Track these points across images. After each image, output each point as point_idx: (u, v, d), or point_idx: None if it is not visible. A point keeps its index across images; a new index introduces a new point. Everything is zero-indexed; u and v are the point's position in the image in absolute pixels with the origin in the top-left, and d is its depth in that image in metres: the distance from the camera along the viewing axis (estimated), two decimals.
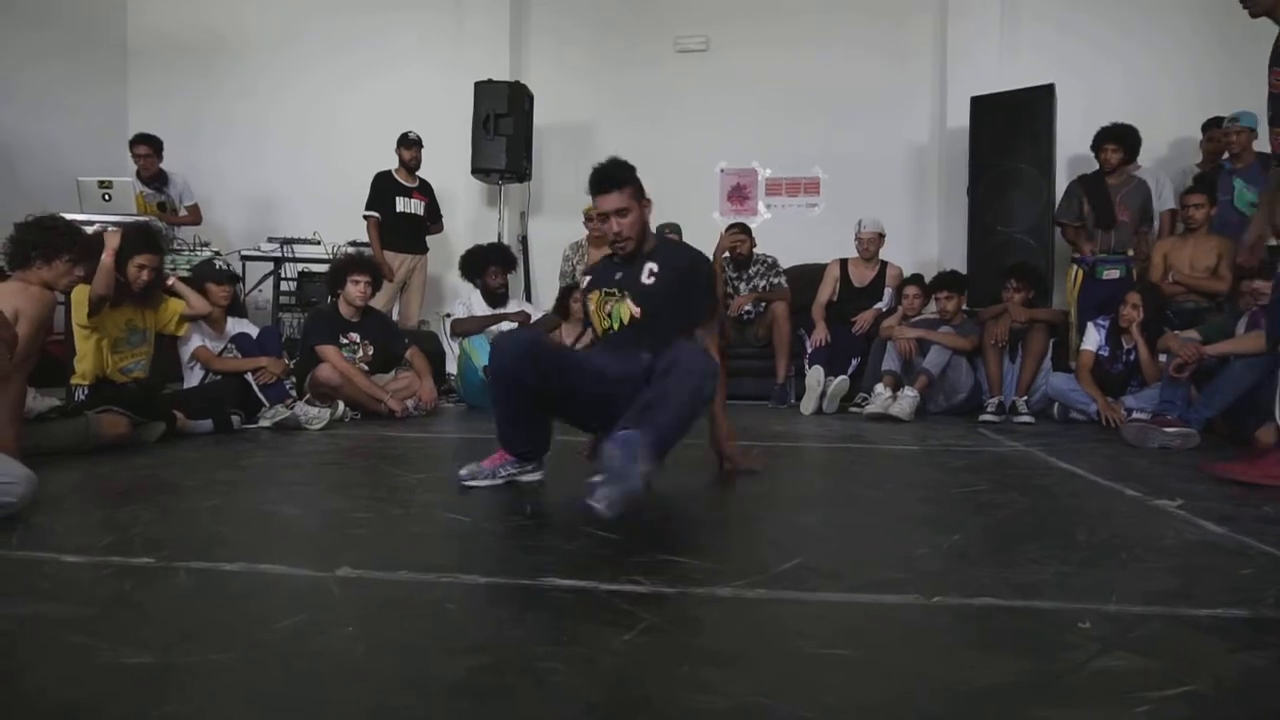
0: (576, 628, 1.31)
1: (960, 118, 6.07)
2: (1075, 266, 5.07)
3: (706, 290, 2.73)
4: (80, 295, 3.49)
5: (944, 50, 6.46)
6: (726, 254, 5.82)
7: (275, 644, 1.22)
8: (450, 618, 1.36)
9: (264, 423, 3.86)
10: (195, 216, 6.18)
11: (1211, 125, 5.43)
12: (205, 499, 2.29)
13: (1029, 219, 5.62)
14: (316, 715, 1.00)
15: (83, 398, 3.50)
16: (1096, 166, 5.06)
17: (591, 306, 2.76)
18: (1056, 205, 5.28)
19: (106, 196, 5.43)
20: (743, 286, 5.81)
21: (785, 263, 5.94)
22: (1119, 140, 4.94)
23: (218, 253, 5.74)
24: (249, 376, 4.03)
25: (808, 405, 4.95)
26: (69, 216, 4.65)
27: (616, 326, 2.67)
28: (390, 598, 1.46)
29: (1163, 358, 4.00)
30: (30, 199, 5.07)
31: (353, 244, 6.12)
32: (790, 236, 6.37)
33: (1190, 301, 4.70)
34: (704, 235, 6.19)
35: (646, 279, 2.67)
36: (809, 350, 5.31)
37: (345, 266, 4.68)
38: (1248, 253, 3.00)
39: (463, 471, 2.51)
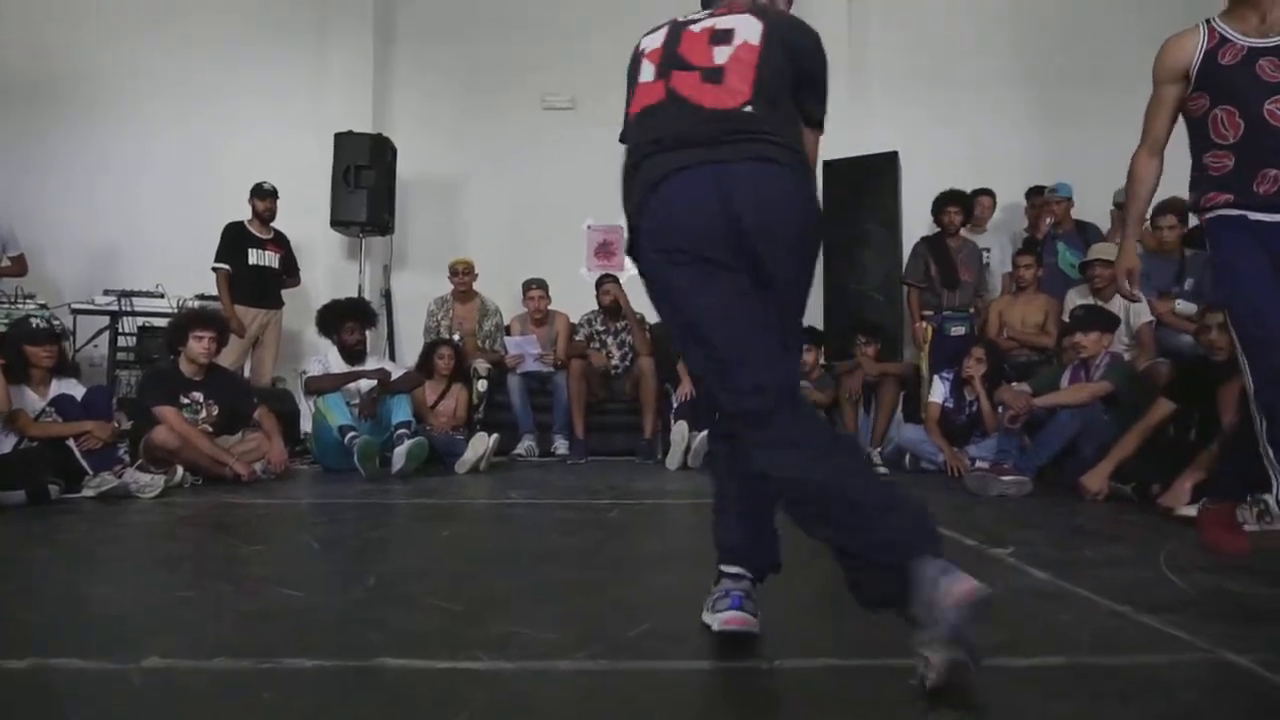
0: (407, 712, 1.24)
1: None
2: (926, 324, 5.35)
3: None
4: None
5: None
6: (595, 308, 5.86)
7: None
8: (268, 708, 1.26)
9: (88, 492, 3.54)
10: (20, 267, 5.71)
11: (1034, 193, 5.91)
12: (4, 582, 2.07)
13: (878, 276, 5.93)
14: None
15: None
16: (936, 230, 5.39)
17: None
18: (904, 265, 5.59)
19: None
20: (610, 339, 5.84)
21: (652, 318, 6.03)
22: (960, 203, 5.29)
23: (44, 305, 5.31)
24: (70, 442, 3.71)
25: (673, 460, 4.97)
26: None
27: None
28: (200, 689, 1.34)
29: (1000, 408, 4.25)
30: None
31: (201, 297, 5.80)
32: None
33: (1023, 355, 5.05)
34: (571, 290, 6.23)
35: None
36: (674, 405, 5.37)
37: (187, 321, 4.41)
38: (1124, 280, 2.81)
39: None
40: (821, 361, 5.41)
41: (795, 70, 1.73)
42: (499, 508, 3.59)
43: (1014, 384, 4.30)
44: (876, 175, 5.99)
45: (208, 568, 2.29)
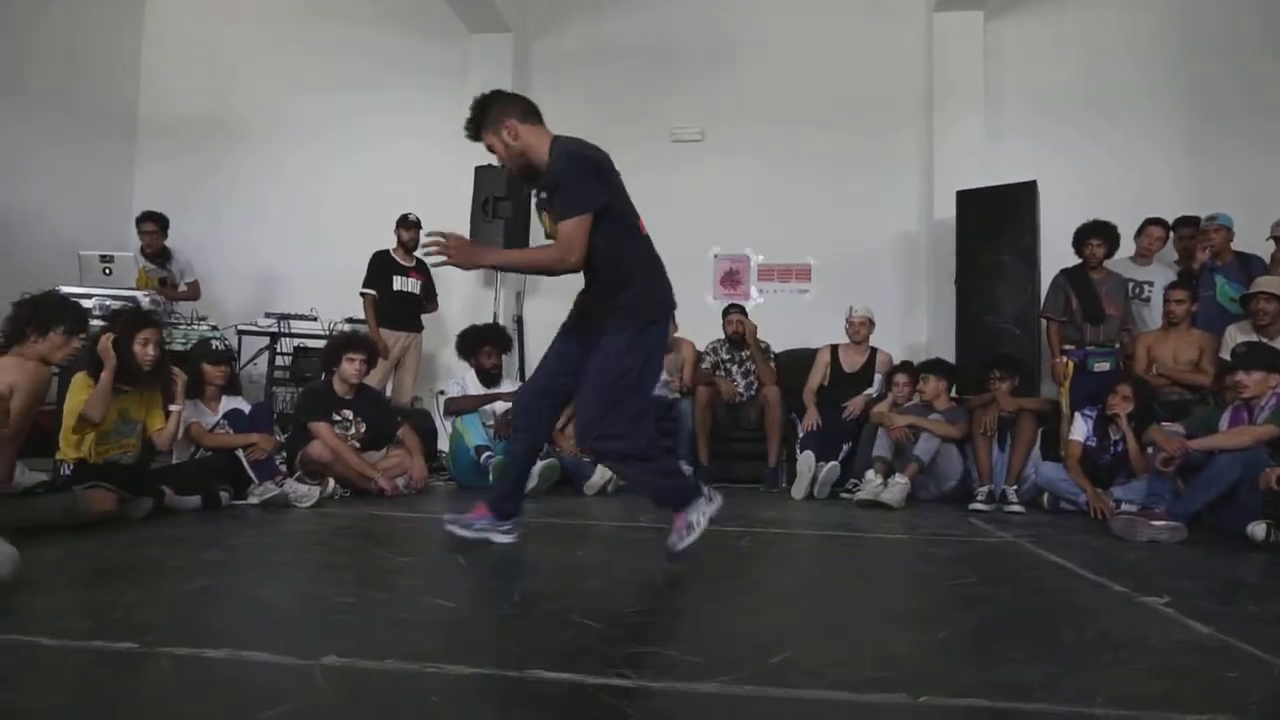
0: None
1: (947, 209, 6.25)
2: (1067, 359, 5.14)
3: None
4: (80, 384, 3.47)
5: (930, 151, 6.69)
6: (721, 336, 5.92)
7: None
8: (437, 711, 1.35)
9: (252, 499, 3.84)
10: (195, 292, 6.27)
11: (1183, 223, 5.60)
12: (191, 580, 2.28)
13: (1014, 309, 5.73)
14: None
15: (68, 472, 3.48)
16: (1077, 262, 5.18)
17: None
18: (1042, 297, 5.40)
19: (107, 270, 5.51)
20: (735, 368, 5.87)
21: (777, 347, 6.03)
22: (1103, 235, 5.08)
23: (214, 327, 5.78)
24: (239, 452, 4.03)
25: (799, 490, 4.95)
26: (68, 290, 4.75)
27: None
28: (376, 688, 1.45)
29: (1149, 450, 4.03)
30: (34, 274, 5.14)
31: (349, 321, 6.19)
32: (782, 321, 6.45)
33: (1175, 394, 4.77)
34: (698, 319, 6.29)
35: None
36: (800, 435, 5.34)
37: (341, 344, 4.72)
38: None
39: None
40: (953, 395, 5.27)
41: None
42: (628, 530, 3.66)
43: (1165, 424, 4.08)
44: (1013, 205, 5.81)
45: (364, 576, 2.45)
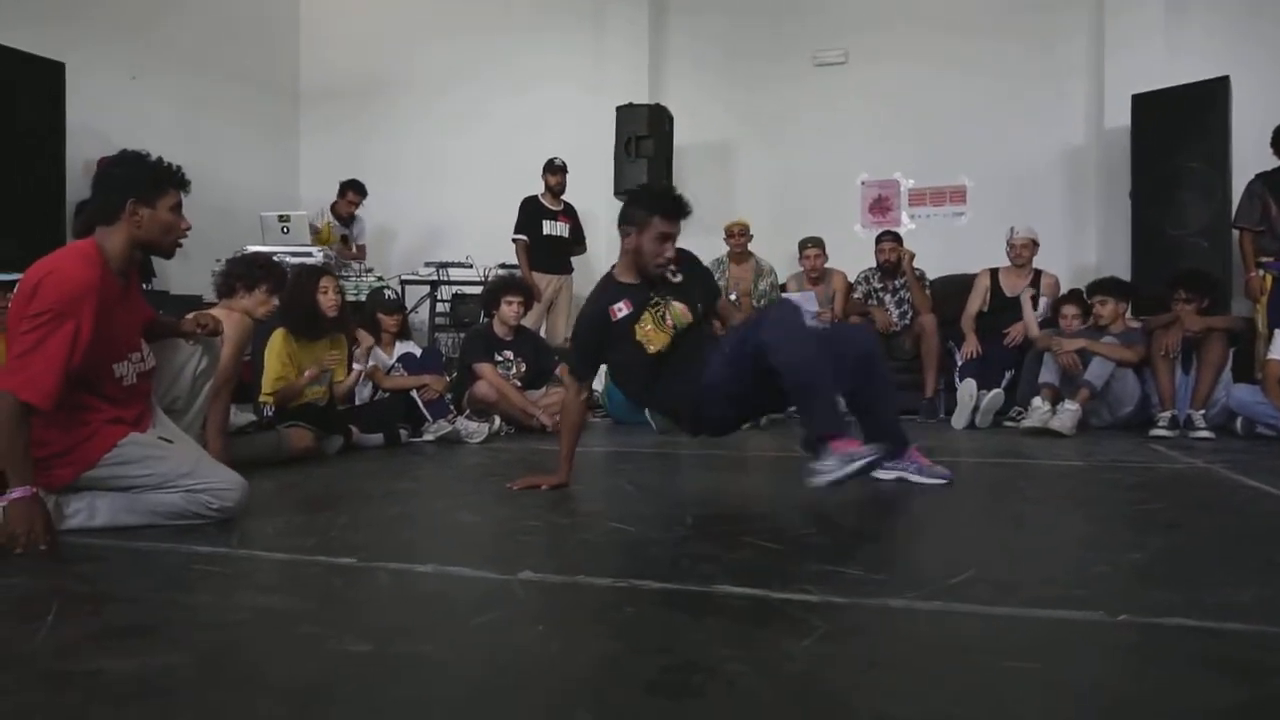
0: (755, 633, 1.35)
1: (1120, 117, 5.76)
2: (1264, 272, 4.70)
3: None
4: (280, 339, 3.72)
5: (1101, 46, 6.15)
6: (873, 265, 5.76)
7: (474, 639, 1.32)
8: (632, 621, 1.43)
9: (428, 437, 4.10)
10: (362, 254, 6.68)
11: None
12: (388, 506, 2.47)
13: (1201, 220, 5.26)
14: (527, 704, 1.08)
15: (270, 414, 3.82)
16: (1276, 165, 4.69)
17: (647, 328, 2.67)
18: (1234, 206, 4.93)
19: (285, 229, 5.92)
20: (888, 297, 5.71)
21: (931, 274, 5.81)
22: None
23: (380, 278, 6.13)
24: (414, 393, 4.29)
25: (959, 420, 4.80)
26: (253, 248, 5.15)
27: (683, 326, 2.69)
28: (572, 600, 1.55)
29: None
30: (221, 236, 5.60)
31: (503, 266, 6.41)
32: (935, 247, 6.19)
33: None
34: (845, 247, 6.16)
35: (674, 278, 2.76)
36: (959, 363, 5.16)
37: (500, 288, 4.91)
38: None
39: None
40: (1129, 316, 4.93)
41: None
42: (787, 460, 3.67)
43: None
44: (1201, 106, 5.29)
45: (542, 503, 2.58)
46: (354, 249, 6.63)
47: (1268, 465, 3.25)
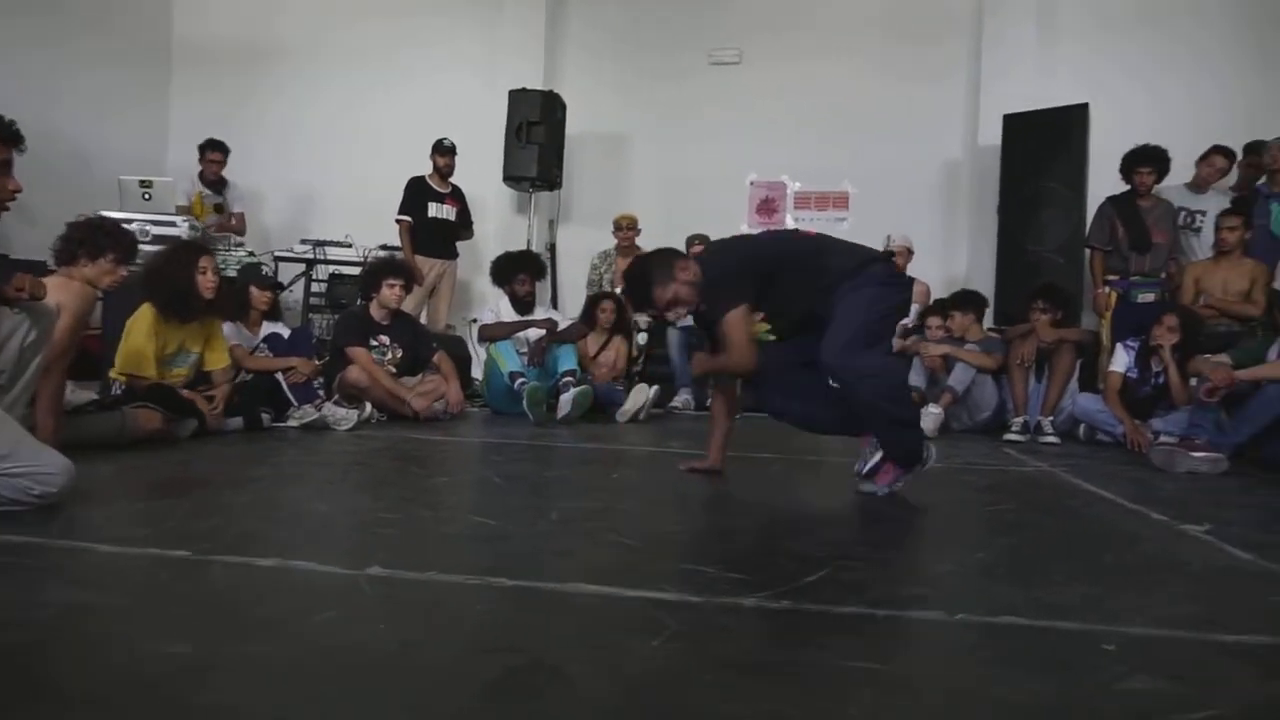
0: (605, 633, 1.33)
1: (992, 135, 6.06)
2: (1110, 289, 5.02)
3: None
4: (145, 316, 3.49)
5: (978, 68, 6.45)
6: None
7: (310, 639, 1.25)
8: (480, 619, 1.39)
9: (292, 422, 3.91)
10: (241, 225, 6.32)
11: (1250, 149, 5.37)
12: (238, 495, 2.34)
13: (1059, 238, 5.60)
14: (358, 710, 1.02)
15: (119, 392, 3.56)
16: (1125, 189, 5.01)
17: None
18: (1088, 226, 5.25)
19: (146, 196, 5.53)
20: None
21: None
22: (1153, 162, 4.90)
23: (252, 253, 5.82)
24: (279, 376, 4.09)
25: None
26: (110, 214, 4.79)
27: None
28: (420, 598, 1.49)
29: (1193, 381, 3.96)
30: (74, 197, 5.18)
31: (384, 248, 6.20)
32: None
33: (1222, 325, 4.65)
34: None
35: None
36: None
37: (380, 269, 4.74)
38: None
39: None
40: (989, 325, 5.19)
41: None
42: (661, 455, 3.69)
43: (1211, 356, 3.99)
44: (1063, 130, 5.61)
45: (405, 494, 2.50)
46: (230, 218, 6.27)
47: (1104, 470, 3.48)
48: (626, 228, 6.15)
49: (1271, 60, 6.10)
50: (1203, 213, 5.21)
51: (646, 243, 6.28)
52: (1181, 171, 5.18)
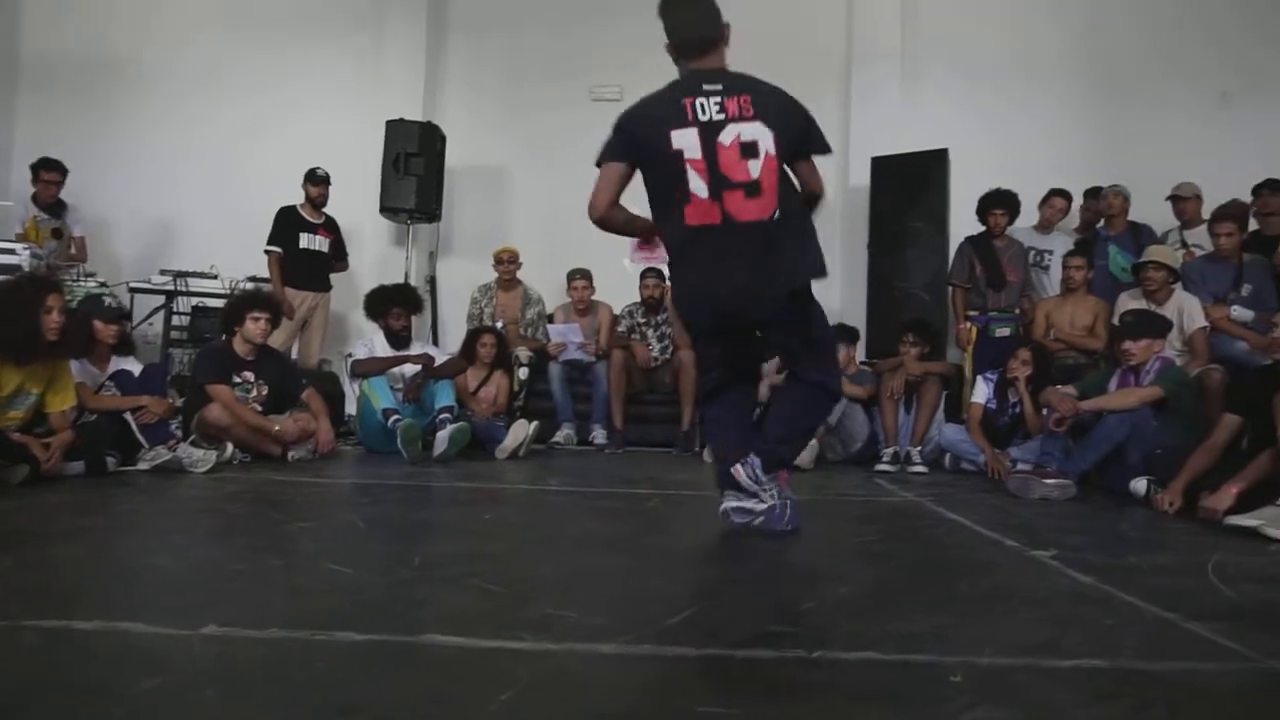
0: (453, 687, 1.27)
1: (862, 177, 6.32)
2: (971, 324, 5.28)
3: None
4: None
5: (848, 115, 6.73)
6: (638, 300, 5.89)
7: (131, 709, 1.14)
8: (321, 678, 1.30)
9: (143, 465, 3.65)
10: (82, 251, 5.92)
11: (1091, 194, 5.80)
12: (67, 548, 2.15)
13: (924, 275, 5.87)
14: None
15: None
16: (982, 230, 5.31)
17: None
18: (950, 264, 5.53)
19: None
20: (650, 332, 5.86)
21: None
22: (1005, 204, 5.22)
23: (104, 284, 5.46)
24: (128, 416, 3.82)
25: (711, 454, 4.98)
26: None
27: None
28: (258, 657, 1.39)
29: (1045, 411, 4.19)
30: None
31: (252, 279, 5.94)
32: None
33: (1070, 358, 4.96)
34: (614, 281, 6.26)
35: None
36: None
37: (244, 302, 4.53)
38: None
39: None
40: (861, 359, 5.38)
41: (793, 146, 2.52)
42: (539, 494, 3.63)
43: (1060, 387, 4.24)
44: (925, 173, 5.93)
45: (258, 542, 2.36)
46: (69, 243, 5.85)
47: (965, 498, 3.62)
48: (508, 261, 6.09)
49: (1106, 114, 6.63)
50: (1050, 251, 5.58)
51: (528, 276, 6.26)
52: (1029, 214, 5.53)
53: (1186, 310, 4.55)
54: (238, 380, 4.38)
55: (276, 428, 4.25)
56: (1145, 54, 6.63)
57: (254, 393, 4.41)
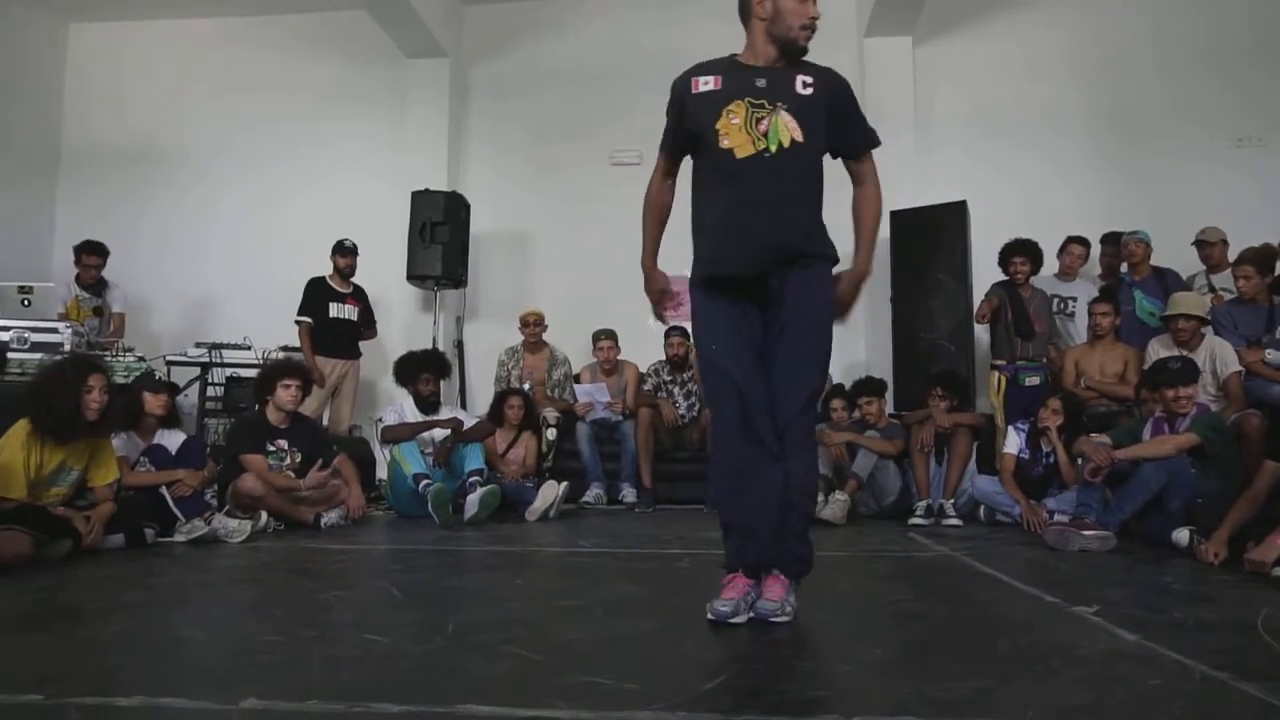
0: None
1: (882, 230, 6.34)
2: (998, 374, 5.25)
3: (863, 117, 2.41)
4: (20, 432, 3.34)
5: None
6: (663, 358, 5.92)
7: None
8: None
9: (179, 537, 3.70)
10: (120, 327, 6.08)
11: (1106, 240, 5.80)
12: (107, 624, 2.18)
13: (948, 325, 5.86)
14: None
15: None
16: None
17: (734, 120, 2.21)
18: (975, 310, 5.50)
19: (26, 302, 5.30)
20: (676, 390, 5.88)
21: None
22: (1026, 253, 5.22)
23: (141, 359, 5.59)
24: (164, 489, 3.89)
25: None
26: None
27: (774, 149, 2.19)
28: None
29: (1079, 460, 4.13)
30: None
31: (284, 349, 6.06)
32: None
33: (1102, 406, 4.91)
34: (639, 341, 6.31)
35: (802, 89, 2.25)
36: None
37: (275, 371, 4.61)
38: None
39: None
40: (890, 411, 5.35)
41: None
42: (570, 556, 3.62)
43: (1093, 436, 4.19)
44: (945, 225, 5.96)
45: (293, 613, 2.37)
46: (109, 320, 6.02)
47: (1001, 551, 3.57)
48: (534, 323, 6.17)
49: (1124, 162, 6.65)
50: (1074, 299, 5.55)
51: (553, 338, 6.33)
52: (1049, 263, 5.53)
53: (1219, 355, 4.50)
54: (271, 448, 4.44)
55: (303, 483, 4.30)
56: (1161, 101, 6.68)
57: (287, 460, 4.47)
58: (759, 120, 2.20)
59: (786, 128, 2.20)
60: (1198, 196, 6.09)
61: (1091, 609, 2.33)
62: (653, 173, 2.51)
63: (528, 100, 7.29)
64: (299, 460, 4.49)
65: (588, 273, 6.98)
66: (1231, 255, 5.13)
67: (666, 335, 5.96)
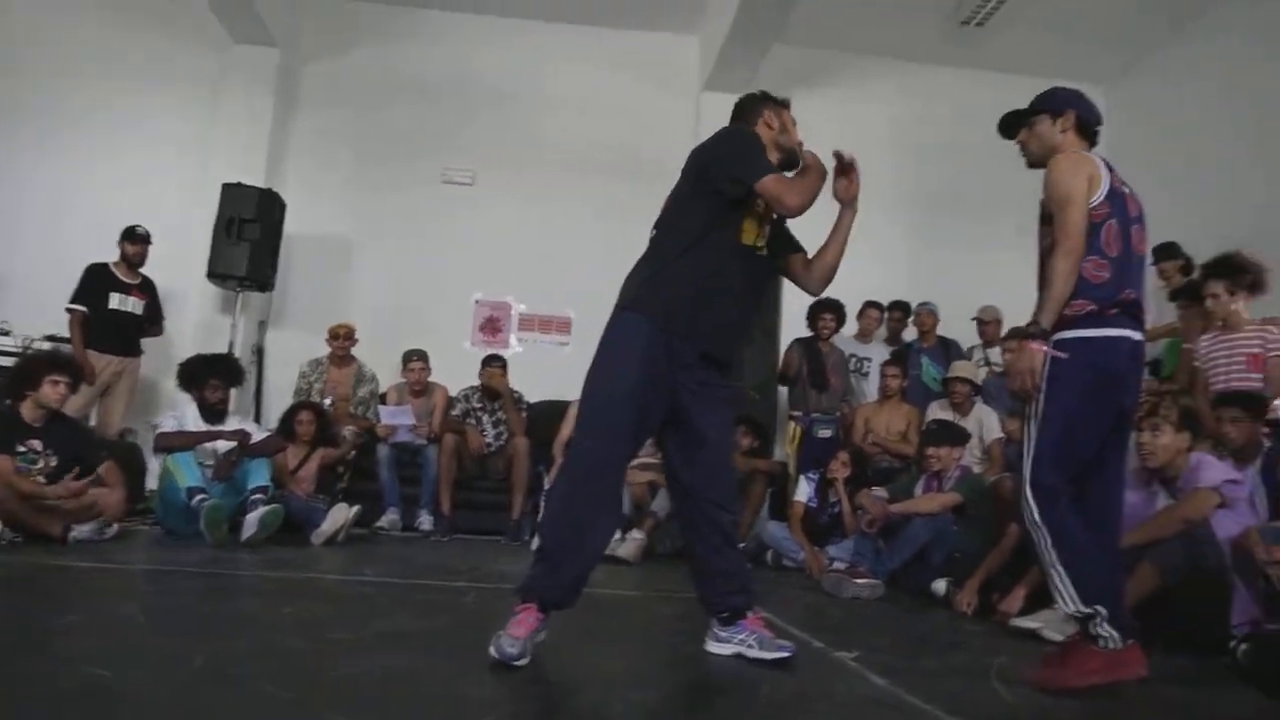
0: None
1: None
2: (795, 424, 5.53)
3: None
4: None
5: None
6: (476, 385, 5.81)
7: None
8: None
9: None
10: None
11: (893, 307, 6.30)
12: None
13: (757, 376, 6.12)
14: None
15: None
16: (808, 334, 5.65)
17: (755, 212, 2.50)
18: (779, 364, 5.80)
19: None
20: (486, 418, 5.78)
21: (531, 398, 5.99)
22: (834, 310, 5.57)
23: None
24: None
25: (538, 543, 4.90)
26: None
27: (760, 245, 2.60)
28: None
29: (859, 511, 4.40)
30: None
31: (50, 338, 5.46)
32: (539, 373, 6.41)
33: (886, 461, 5.27)
34: (454, 363, 6.17)
35: None
36: (546, 488, 5.32)
37: (41, 365, 4.13)
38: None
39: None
40: None
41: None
42: (351, 585, 3.44)
43: (872, 490, 4.47)
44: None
45: (11, 640, 2.09)
46: None
47: (780, 596, 3.71)
48: (343, 337, 5.90)
49: (929, 238, 7.21)
50: (869, 359, 5.99)
51: (363, 354, 6.08)
52: (849, 325, 5.92)
53: (985, 422, 4.96)
54: (21, 449, 3.96)
55: (50, 490, 3.84)
56: (960, 186, 7.28)
57: (40, 464, 3.99)
58: (761, 220, 2.58)
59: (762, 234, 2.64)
60: (984, 277, 6.68)
61: (853, 654, 2.46)
62: None
63: (362, 105, 7.01)
64: (55, 464, 4.02)
65: (406, 288, 6.78)
66: (1003, 332, 5.69)
67: (484, 363, 5.84)
